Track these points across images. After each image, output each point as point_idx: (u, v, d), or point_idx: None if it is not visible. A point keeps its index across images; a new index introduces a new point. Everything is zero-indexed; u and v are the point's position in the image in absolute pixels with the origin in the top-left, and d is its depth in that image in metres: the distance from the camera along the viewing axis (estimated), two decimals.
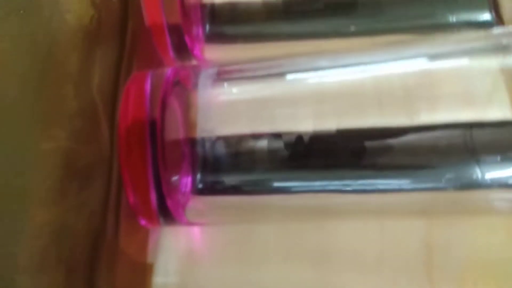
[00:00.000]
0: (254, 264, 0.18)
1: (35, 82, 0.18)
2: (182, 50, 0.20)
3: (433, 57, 0.19)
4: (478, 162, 0.17)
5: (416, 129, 0.18)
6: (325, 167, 0.18)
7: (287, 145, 0.17)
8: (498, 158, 0.17)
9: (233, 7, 0.22)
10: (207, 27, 0.21)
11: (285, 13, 0.21)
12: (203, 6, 0.22)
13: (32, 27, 0.19)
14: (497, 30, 0.21)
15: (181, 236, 0.19)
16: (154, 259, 0.18)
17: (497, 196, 0.17)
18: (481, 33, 0.20)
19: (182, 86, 0.18)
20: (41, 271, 0.17)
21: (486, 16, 0.21)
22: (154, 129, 0.16)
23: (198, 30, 0.21)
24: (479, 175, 0.17)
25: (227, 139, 0.18)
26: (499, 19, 0.21)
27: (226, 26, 0.22)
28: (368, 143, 0.17)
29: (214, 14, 0.22)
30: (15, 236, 0.16)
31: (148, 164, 0.16)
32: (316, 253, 0.18)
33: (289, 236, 0.19)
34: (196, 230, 0.19)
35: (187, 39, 0.20)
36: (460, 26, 0.21)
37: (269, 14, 0.22)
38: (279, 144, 0.18)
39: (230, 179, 0.18)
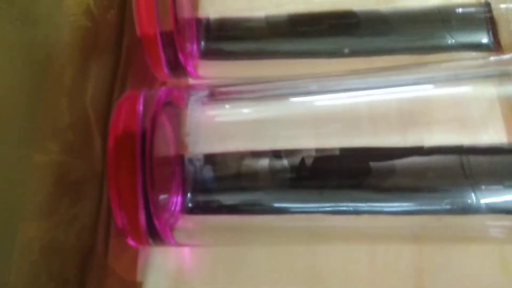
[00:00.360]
0: (244, 286, 0.18)
1: (29, 93, 0.18)
2: (176, 66, 0.20)
3: (430, 82, 0.19)
4: (473, 187, 0.17)
5: (413, 151, 0.18)
6: (323, 188, 0.18)
7: (280, 165, 0.17)
8: (494, 184, 0.17)
9: (229, 24, 0.22)
10: (202, 43, 0.21)
11: (283, 32, 0.21)
12: (198, 21, 0.22)
13: (28, 38, 0.19)
14: (494, 58, 0.21)
15: (171, 255, 0.18)
16: (143, 277, 0.18)
17: (491, 223, 0.17)
18: (479, 60, 0.20)
19: (174, 106, 0.18)
20: (31, 286, 0.17)
21: (484, 39, 0.21)
22: (143, 147, 0.16)
23: (193, 47, 0.21)
24: (474, 200, 0.17)
25: (218, 158, 0.18)
26: (497, 43, 0.21)
27: (221, 42, 0.22)
28: (368, 165, 0.17)
29: (209, 30, 0.22)
30: (5, 251, 0.16)
31: (137, 183, 0.15)
32: (307, 276, 0.18)
33: (280, 259, 0.19)
34: (186, 250, 0.19)
35: (180, 55, 0.20)
36: (459, 48, 0.21)
37: (267, 32, 0.22)
38: (275, 163, 0.18)
39: (221, 199, 0.18)
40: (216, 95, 0.18)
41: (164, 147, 0.17)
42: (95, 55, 0.22)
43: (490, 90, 0.18)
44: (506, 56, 0.20)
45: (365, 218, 0.18)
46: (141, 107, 0.16)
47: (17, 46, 0.18)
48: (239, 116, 0.18)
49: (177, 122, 0.17)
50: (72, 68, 0.20)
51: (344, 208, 0.18)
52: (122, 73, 0.23)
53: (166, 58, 0.20)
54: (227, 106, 0.18)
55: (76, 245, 0.19)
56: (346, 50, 0.20)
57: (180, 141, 0.17)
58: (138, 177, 0.15)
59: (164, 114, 0.16)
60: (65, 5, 0.21)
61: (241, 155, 0.18)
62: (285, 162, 0.18)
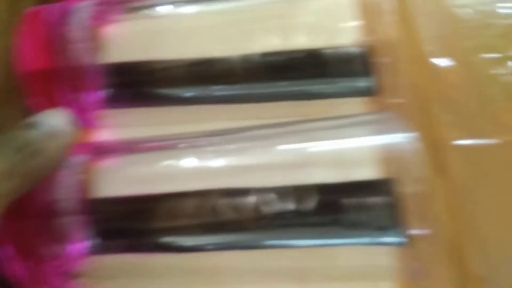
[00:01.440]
0: None
1: None
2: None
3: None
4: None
5: None
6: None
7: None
8: None
9: (133, 68, 0.23)
10: (106, 91, 0.22)
11: (184, 78, 0.23)
12: (98, 69, 0.22)
13: None
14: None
15: None
16: None
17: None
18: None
19: None
20: None
21: (367, 84, 0.22)
22: None
23: (94, 96, 0.22)
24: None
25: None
26: (379, 88, 0.22)
27: (126, 89, 0.23)
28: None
29: (112, 78, 0.22)
30: None
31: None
32: None
33: None
34: None
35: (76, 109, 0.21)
36: (340, 94, 0.23)
37: (180, 77, 0.23)
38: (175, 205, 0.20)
39: (124, 240, 0.20)
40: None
41: None
42: None
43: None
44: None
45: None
46: None
47: None
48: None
49: None
50: None
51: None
52: None
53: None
54: None
55: None
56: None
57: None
58: None
59: None
60: None
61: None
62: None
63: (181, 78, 0.23)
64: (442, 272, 0.19)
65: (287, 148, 0.21)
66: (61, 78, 0.21)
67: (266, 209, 0.19)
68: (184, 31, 0.23)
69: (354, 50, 0.22)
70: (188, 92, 0.23)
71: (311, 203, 0.19)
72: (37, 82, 0.20)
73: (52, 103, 0.21)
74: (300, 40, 0.23)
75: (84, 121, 0.22)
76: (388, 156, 0.20)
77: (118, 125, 0.23)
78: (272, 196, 0.20)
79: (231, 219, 0.19)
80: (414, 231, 0.19)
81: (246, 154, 0.20)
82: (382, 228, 0.19)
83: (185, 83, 0.23)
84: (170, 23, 0.23)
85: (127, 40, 0.23)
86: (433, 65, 0.22)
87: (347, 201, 0.19)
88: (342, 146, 0.21)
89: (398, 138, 0.21)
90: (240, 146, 0.21)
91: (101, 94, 0.22)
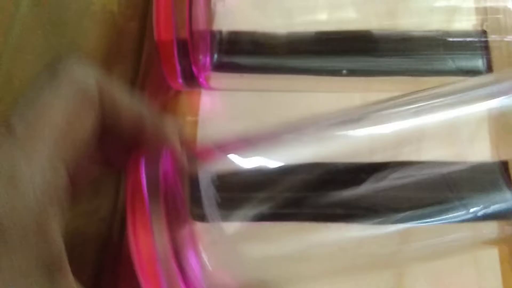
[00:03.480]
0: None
1: None
2: (190, 77, 0.22)
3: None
4: (457, 198, 0.19)
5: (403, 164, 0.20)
6: None
7: None
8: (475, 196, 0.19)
9: (241, 38, 0.23)
10: (215, 56, 0.23)
11: (292, 49, 0.23)
12: (212, 35, 0.23)
13: (56, 42, 0.20)
14: (486, 78, 0.22)
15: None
16: None
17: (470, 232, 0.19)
18: (469, 81, 0.22)
19: None
20: None
21: (478, 64, 0.22)
22: None
23: (206, 59, 0.23)
24: (458, 210, 0.19)
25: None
26: (489, 69, 0.22)
27: (233, 56, 0.23)
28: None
29: (222, 44, 0.23)
30: None
31: None
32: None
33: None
34: None
35: (194, 67, 0.22)
36: (455, 72, 0.23)
37: (278, 48, 0.23)
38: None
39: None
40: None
41: None
42: (117, 61, 0.23)
43: (480, 111, 0.20)
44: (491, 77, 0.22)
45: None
46: None
47: (46, 48, 0.19)
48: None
49: None
50: None
51: None
52: (141, 81, 0.24)
53: (181, 69, 0.22)
54: None
55: (95, 234, 0.21)
56: (344, 71, 0.22)
57: None
58: None
59: None
60: (91, 12, 0.22)
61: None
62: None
63: (288, 49, 0.23)
64: None
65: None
66: (183, 45, 0.21)
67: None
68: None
69: (471, 31, 0.23)
70: (290, 62, 0.23)
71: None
72: (166, 49, 0.21)
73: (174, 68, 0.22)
74: (414, 22, 0.23)
75: (199, 81, 0.22)
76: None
77: (224, 88, 0.24)
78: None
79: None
80: None
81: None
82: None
83: (292, 54, 0.23)
84: None
85: (238, 12, 0.24)
86: None
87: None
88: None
89: None
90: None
91: (213, 59, 0.23)
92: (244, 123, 0.23)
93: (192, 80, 0.22)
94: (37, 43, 0.19)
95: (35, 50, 0.19)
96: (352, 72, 0.22)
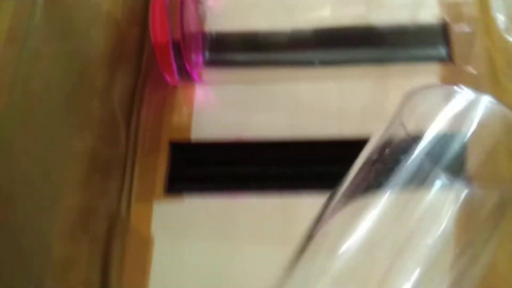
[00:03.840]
0: None
1: (69, 95, 0.23)
2: (184, 73, 0.25)
3: None
4: None
5: None
6: None
7: None
8: None
9: (230, 37, 0.27)
10: (207, 54, 0.26)
11: (271, 44, 0.26)
12: (203, 35, 0.26)
13: (68, 48, 0.23)
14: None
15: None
16: (154, 235, 0.24)
17: None
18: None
19: None
20: (70, 239, 0.22)
21: (441, 52, 0.25)
22: None
23: (198, 57, 0.26)
24: None
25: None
26: (451, 56, 0.25)
27: (222, 53, 0.27)
28: None
29: (212, 43, 0.26)
30: (52, 213, 0.21)
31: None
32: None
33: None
34: None
35: (187, 66, 0.25)
36: (416, 60, 0.25)
37: (261, 45, 0.26)
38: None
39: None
40: None
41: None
42: (122, 63, 0.27)
43: None
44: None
45: None
46: None
47: (58, 54, 0.22)
48: None
49: None
50: (103, 74, 0.25)
51: None
52: (142, 78, 0.28)
53: (177, 67, 0.25)
54: None
55: (105, 212, 0.25)
56: (317, 62, 0.25)
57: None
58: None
59: None
60: (98, 21, 0.26)
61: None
62: None
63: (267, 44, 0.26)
64: None
65: None
66: (177, 45, 0.25)
67: None
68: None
69: (434, 23, 0.25)
70: (272, 56, 0.26)
71: None
72: (163, 50, 0.24)
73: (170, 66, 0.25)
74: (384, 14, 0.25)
75: (192, 77, 0.26)
76: None
77: (216, 82, 0.27)
78: None
79: None
80: None
81: None
82: None
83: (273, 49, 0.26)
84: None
85: (226, 13, 0.27)
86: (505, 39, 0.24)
87: None
88: None
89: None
90: None
91: (205, 56, 0.26)
92: (234, 113, 0.26)
93: (186, 76, 0.25)
94: (50, 51, 0.21)
95: (49, 57, 0.21)
96: (325, 63, 0.25)
